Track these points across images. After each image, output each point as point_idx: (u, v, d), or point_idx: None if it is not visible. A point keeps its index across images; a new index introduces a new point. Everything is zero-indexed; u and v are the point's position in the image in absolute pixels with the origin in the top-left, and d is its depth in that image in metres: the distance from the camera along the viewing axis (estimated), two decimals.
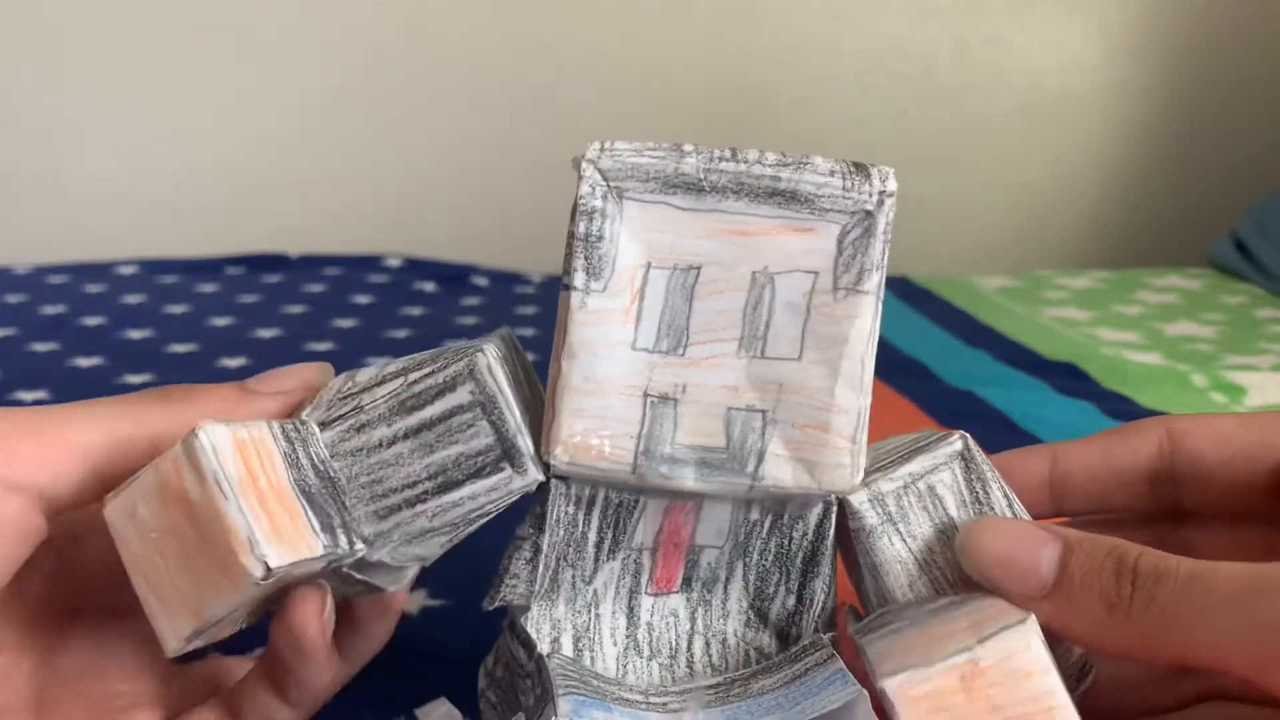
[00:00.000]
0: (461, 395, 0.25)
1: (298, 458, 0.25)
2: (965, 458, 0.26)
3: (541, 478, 0.25)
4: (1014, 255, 1.19)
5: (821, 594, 0.27)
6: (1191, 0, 1.16)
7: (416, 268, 0.87)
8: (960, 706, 0.23)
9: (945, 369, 0.65)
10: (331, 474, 0.25)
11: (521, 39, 1.08)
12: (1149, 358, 0.69)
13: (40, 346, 0.66)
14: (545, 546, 0.26)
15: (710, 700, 0.25)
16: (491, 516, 0.26)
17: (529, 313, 0.77)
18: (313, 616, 0.25)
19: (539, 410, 0.26)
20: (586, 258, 0.24)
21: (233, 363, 0.64)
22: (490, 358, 0.25)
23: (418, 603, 0.37)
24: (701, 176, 0.24)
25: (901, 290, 0.84)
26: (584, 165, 0.24)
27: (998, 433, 0.54)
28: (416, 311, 0.77)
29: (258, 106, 1.07)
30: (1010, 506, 0.27)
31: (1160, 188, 1.21)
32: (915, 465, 0.26)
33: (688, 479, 0.25)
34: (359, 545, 0.25)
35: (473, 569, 0.31)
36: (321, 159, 1.09)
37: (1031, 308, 0.81)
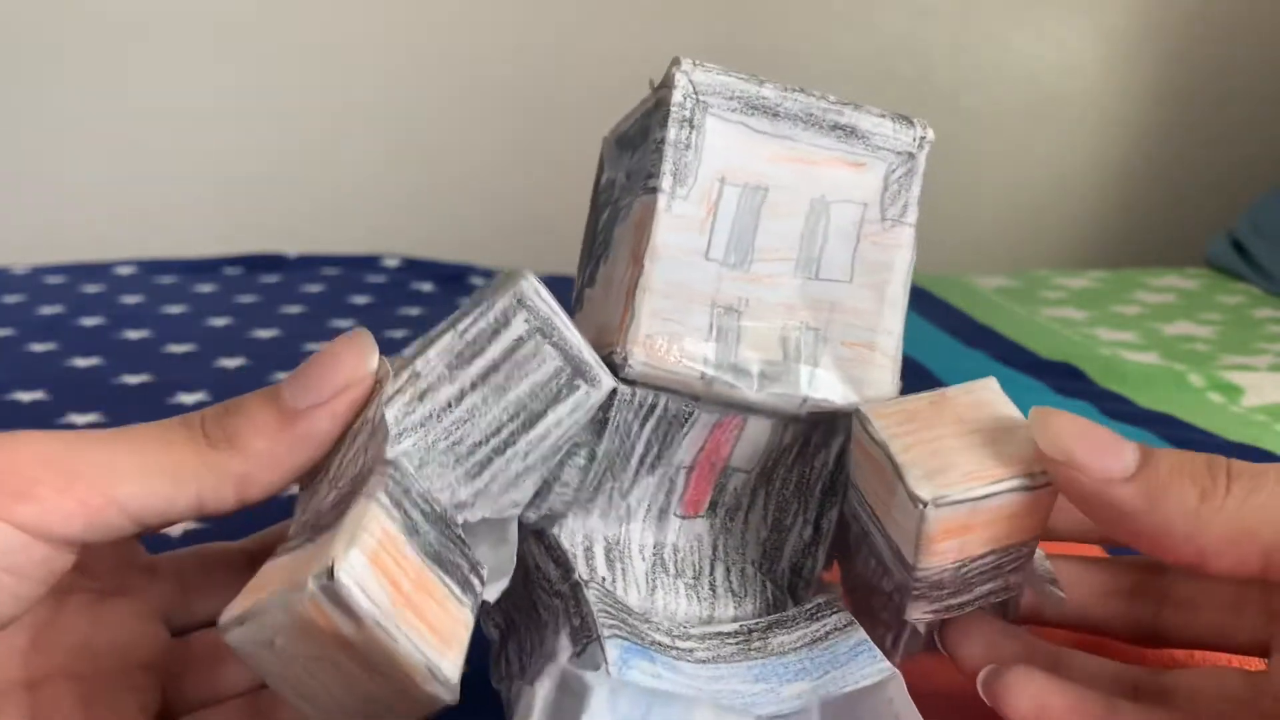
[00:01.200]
0: (517, 327, 0.24)
1: (413, 521, 0.23)
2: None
3: (615, 383, 0.25)
4: (1012, 255, 1.19)
5: (837, 524, 0.28)
6: (1189, 2, 1.16)
7: (415, 268, 0.87)
8: (928, 418, 0.25)
9: (943, 369, 0.65)
10: (438, 509, 0.24)
11: (520, 39, 1.08)
12: (1147, 357, 0.69)
13: (38, 346, 0.66)
14: (600, 454, 0.26)
15: (733, 653, 0.26)
16: (573, 440, 0.26)
17: None
18: None
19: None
20: (675, 163, 0.25)
21: (231, 363, 0.64)
22: (534, 281, 0.25)
23: None
24: (779, 102, 0.26)
25: None
26: (678, 75, 0.25)
27: None
28: (415, 312, 0.77)
29: (256, 107, 1.07)
30: None
31: (1158, 188, 1.21)
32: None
33: (750, 389, 0.26)
34: (480, 572, 0.24)
35: None
36: (320, 159, 1.09)
37: (1029, 307, 0.81)
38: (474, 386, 0.24)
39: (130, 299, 0.77)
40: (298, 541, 0.23)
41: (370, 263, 0.88)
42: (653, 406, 0.26)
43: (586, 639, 0.24)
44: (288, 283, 0.83)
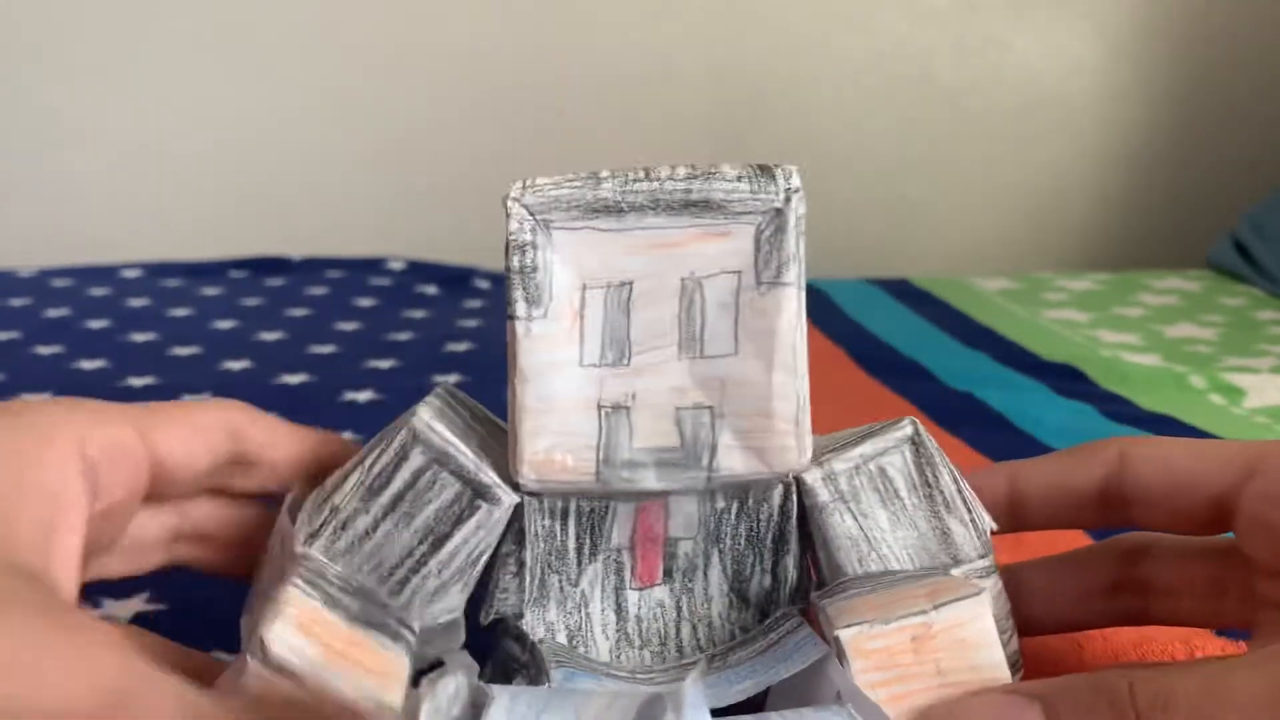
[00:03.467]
0: (416, 460, 0.26)
1: (331, 596, 0.25)
2: (915, 443, 0.28)
3: (516, 499, 0.26)
4: (1013, 257, 1.19)
5: (793, 570, 0.28)
6: (1190, 3, 1.16)
7: (419, 270, 0.87)
8: (908, 666, 0.24)
9: (944, 370, 0.65)
10: (355, 584, 0.26)
11: (523, 43, 1.08)
12: (1148, 359, 0.69)
13: (44, 349, 0.66)
14: (529, 559, 0.27)
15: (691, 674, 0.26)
16: (489, 552, 0.27)
17: None
18: None
19: (498, 437, 0.27)
20: (524, 288, 0.26)
21: (236, 365, 0.64)
22: (426, 417, 0.26)
23: None
24: (619, 199, 0.25)
25: (900, 292, 0.85)
26: (509, 203, 0.26)
27: (997, 434, 0.54)
28: (419, 314, 0.77)
29: (260, 110, 1.07)
30: (960, 491, 0.28)
31: (1159, 189, 1.21)
32: (867, 447, 0.27)
33: (649, 480, 0.26)
34: (411, 627, 0.26)
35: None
36: (324, 162, 1.09)
37: (1031, 309, 0.81)
38: (385, 515, 0.27)
39: (136, 302, 0.77)
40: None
41: (375, 265, 0.88)
42: (565, 509, 0.27)
43: (537, 682, 0.25)
44: (292, 285, 0.83)
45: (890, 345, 0.70)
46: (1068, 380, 0.64)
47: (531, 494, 0.27)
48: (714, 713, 0.20)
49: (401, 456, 0.26)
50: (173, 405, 0.27)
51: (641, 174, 0.26)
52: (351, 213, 1.10)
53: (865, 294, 0.84)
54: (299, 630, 0.24)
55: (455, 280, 0.85)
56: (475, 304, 0.80)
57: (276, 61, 1.06)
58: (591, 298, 0.26)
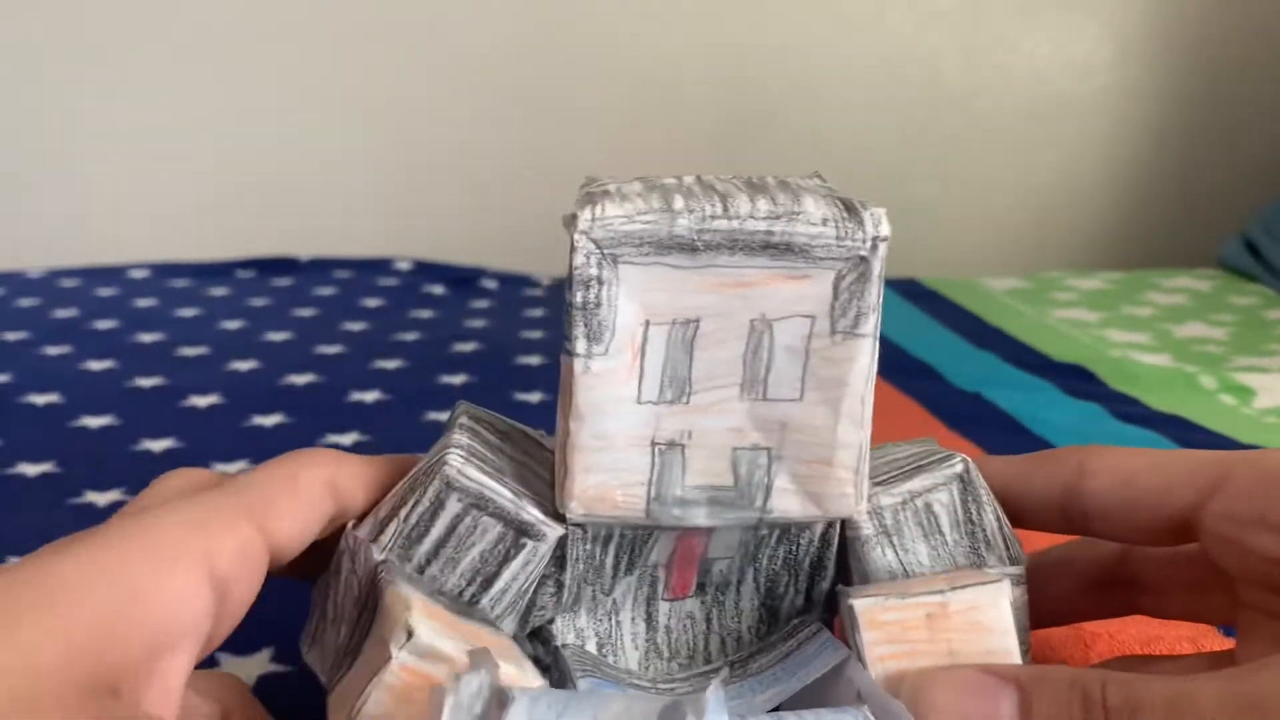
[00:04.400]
0: (453, 507, 0.25)
1: (429, 593, 0.25)
2: (964, 480, 0.27)
3: (562, 531, 0.26)
4: (1022, 257, 1.19)
5: (825, 594, 0.28)
6: (1199, 2, 1.16)
7: (426, 271, 0.87)
8: (920, 643, 0.24)
9: (953, 371, 0.65)
10: (435, 587, 0.26)
11: (532, 42, 1.08)
12: (1158, 359, 0.69)
13: (52, 349, 0.66)
14: (568, 580, 0.27)
15: (714, 680, 0.26)
16: (539, 580, 0.26)
17: (537, 315, 0.77)
18: None
19: (532, 452, 0.27)
20: (586, 324, 0.24)
21: (243, 365, 0.64)
22: (458, 462, 0.25)
23: None
24: (695, 237, 0.24)
25: (909, 292, 0.85)
26: (577, 236, 0.24)
27: (1006, 434, 0.54)
28: (426, 314, 0.77)
29: (268, 110, 1.07)
30: (1001, 529, 0.27)
31: (1169, 189, 1.20)
32: (915, 483, 0.27)
33: (699, 518, 0.26)
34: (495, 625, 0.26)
35: None
36: (331, 162, 1.09)
37: (1040, 309, 0.81)
38: (429, 561, 0.26)
39: (144, 302, 0.77)
40: (341, 673, 0.25)
41: (382, 266, 0.88)
42: (608, 536, 0.27)
43: (561, 687, 0.25)
44: (300, 286, 0.83)
45: (899, 345, 0.70)
46: (1077, 380, 0.64)
47: (577, 524, 0.26)
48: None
49: (438, 505, 0.25)
50: (276, 477, 0.26)
51: (719, 208, 0.24)
52: (359, 213, 1.10)
53: None
54: (428, 617, 0.23)
55: (462, 281, 0.85)
56: (482, 304, 0.80)
57: (284, 62, 1.06)
58: (655, 334, 0.25)
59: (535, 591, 0.27)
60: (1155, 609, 0.30)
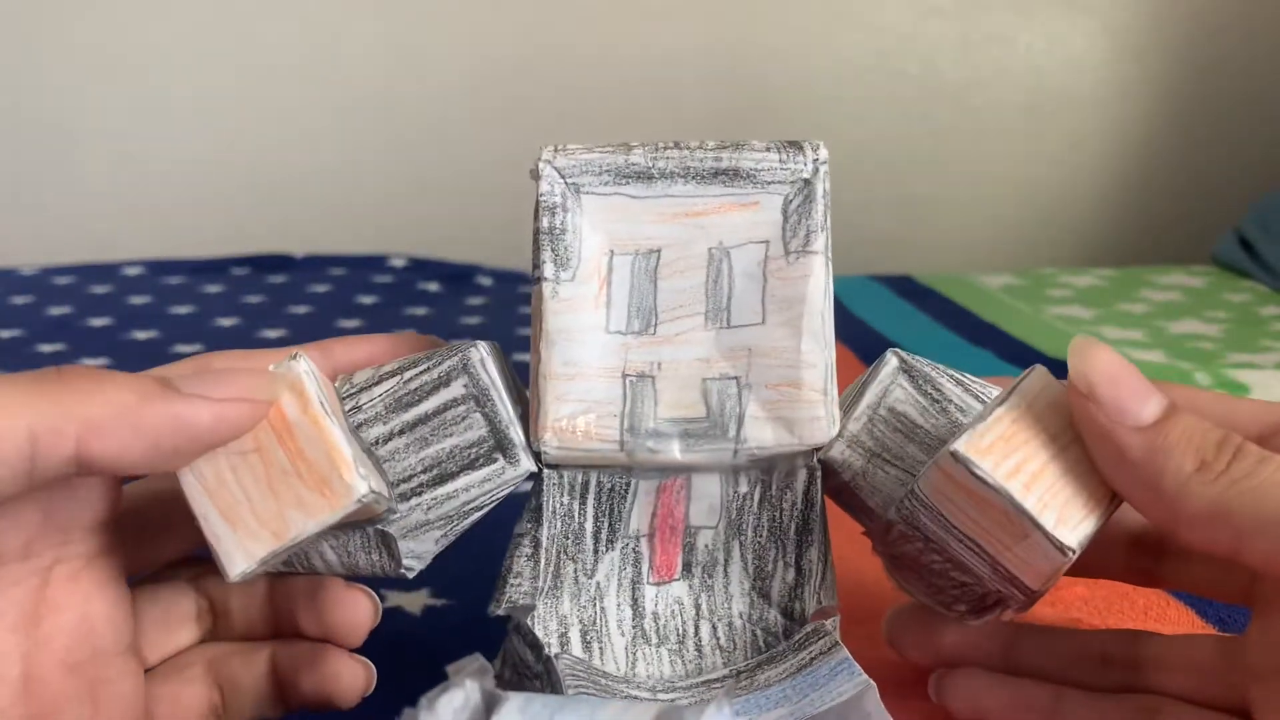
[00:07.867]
0: (455, 389, 0.26)
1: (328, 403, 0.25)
2: (905, 368, 0.28)
3: (533, 467, 0.26)
4: (1017, 253, 1.19)
5: (819, 562, 0.28)
6: None
7: (421, 268, 0.87)
8: (1024, 444, 0.24)
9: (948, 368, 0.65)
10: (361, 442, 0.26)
11: (526, 39, 1.08)
12: (1153, 356, 0.69)
13: (46, 347, 0.66)
14: (545, 539, 0.27)
15: (718, 695, 0.26)
16: (484, 511, 0.27)
17: None
18: (365, 615, 0.27)
19: (527, 413, 0.27)
20: (553, 249, 0.26)
21: None
22: (483, 352, 0.26)
23: (420, 602, 0.38)
24: (650, 164, 0.26)
25: (904, 289, 0.85)
26: (541, 165, 0.26)
27: None
28: (421, 311, 0.77)
29: (262, 107, 1.07)
30: (965, 386, 0.28)
31: (1163, 185, 1.21)
32: (868, 397, 0.27)
33: (674, 451, 0.26)
34: (396, 504, 0.26)
35: (476, 569, 0.31)
36: (326, 159, 1.09)
37: (1035, 306, 0.81)
38: (401, 432, 0.26)
39: (138, 299, 0.77)
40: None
41: (377, 263, 0.88)
42: (585, 485, 0.27)
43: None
44: (295, 283, 0.83)
45: (894, 342, 0.70)
46: None
47: (552, 466, 0.26)
48: None
49: (443, 381, 0.26)
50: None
51: (671, 144, 0.26)
52: (354, 210, 1.10)
53: (869, 291, 0.84)
54: (321, 379, 0.25)
55: (457, 278, 0.85)
56: (477, 301, 0.80)
57: (279, 59, 1.06)
58: (619, 264, 0.26)
59: (511, 554, 0.27)
60: (1177, 574, 0.30)
